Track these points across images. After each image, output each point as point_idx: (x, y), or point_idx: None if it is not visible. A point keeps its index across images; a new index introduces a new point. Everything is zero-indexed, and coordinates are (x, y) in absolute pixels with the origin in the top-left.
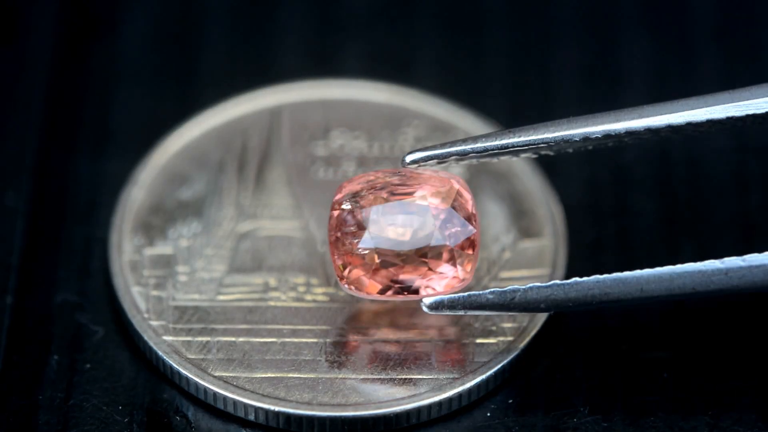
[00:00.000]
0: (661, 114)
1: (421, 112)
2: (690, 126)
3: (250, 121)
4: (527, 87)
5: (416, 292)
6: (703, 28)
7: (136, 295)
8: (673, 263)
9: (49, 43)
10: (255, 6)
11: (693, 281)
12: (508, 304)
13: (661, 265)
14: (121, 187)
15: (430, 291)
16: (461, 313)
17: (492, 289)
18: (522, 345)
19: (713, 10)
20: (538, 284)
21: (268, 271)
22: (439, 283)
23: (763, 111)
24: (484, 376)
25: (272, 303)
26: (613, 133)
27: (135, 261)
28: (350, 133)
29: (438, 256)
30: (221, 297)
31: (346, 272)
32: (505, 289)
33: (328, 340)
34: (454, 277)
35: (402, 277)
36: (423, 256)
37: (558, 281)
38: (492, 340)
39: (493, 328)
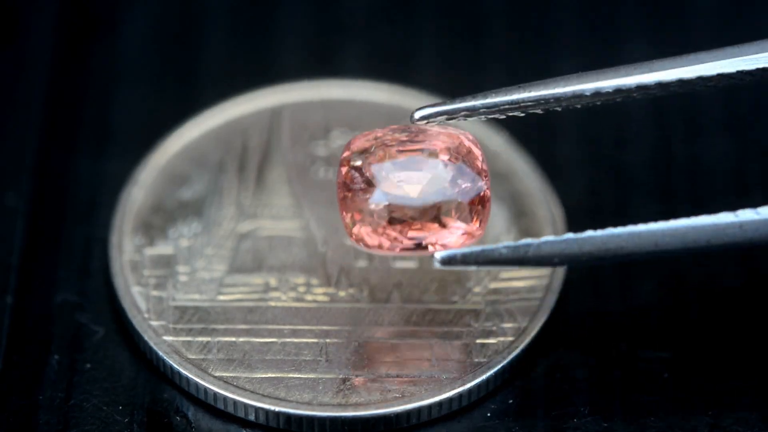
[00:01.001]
0: (672, 68)
1: None
2: (701, 80)
3: (251, 121)
4: None
5: (426, 248)
6: (703, 29)
7: (136, 295)
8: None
9: (49, 43)
10: (255, 6)
11: (707, 234)
12: (521, 258)
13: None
14: (121, 187)
15: (439, 248)
16: (473, 268)
17: (505, 243)
18: (522, 345)
19: (713, 11)
20: (552, 238)
21: (269, 271)
22: (450, 239)
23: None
24: (484, 377)
25: (272, 303)
26: (624, 88)
27: (135, 261)
28: (351, 133)
29: (449, 211)
30: (222, 297)
31: (355, 229)
32: (518, 243)
33: (328, 340)
34: (465, 233)
35: (412, 233)
36: (434, 211)
37: (572, 235)
38: (492, 340)
39: (493, 328)
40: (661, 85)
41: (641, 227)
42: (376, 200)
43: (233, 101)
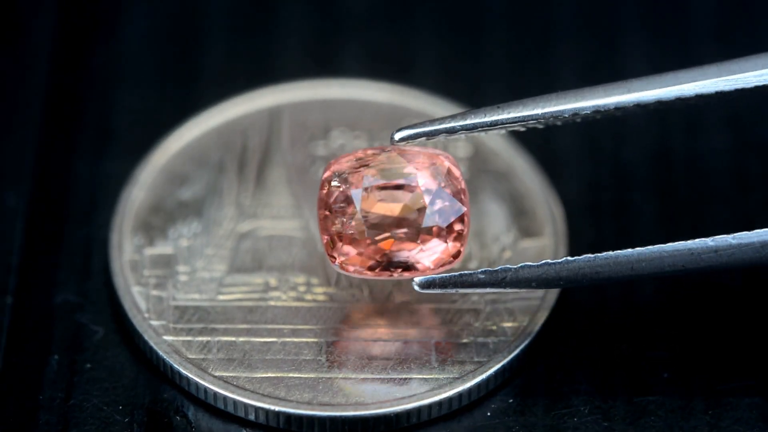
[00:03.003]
0: (651, 89)
1: (422, 112)
2: (679, 100)
3: (250, 121)
4: (527, 86)
5: (406, 268)
6: (703, 27)
7: (136, 295)
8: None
9: (49, 43)
10: (255, 6)
11: (683, 260)
12: (499, 282)
13: None
14: (121, 187)
15: (420, 266)
16: (452, 291)
17: (483, 269)
18: (522, 345)
19: (713, 10)
20: (530, 264)
21: (269, 271)
22: (430, 258)
23: (752, 85)
24: (484, 376)
25: (272, 303)
26: (602, 108)
27: (135, 261)
28: (350, 132)
29: (428, 231)
30: (221, 297)
31: (335, 250)
32: (496, 268)
33: (328, 339)
34: (445, 252)
35: (392, 253)
36: (413, 231)
37: (549, 261)
38: (492, 340)
39: (493, 327)
40: (640, 106)
41: (618, 253)
42: (355, 220)
43: (233, 101)
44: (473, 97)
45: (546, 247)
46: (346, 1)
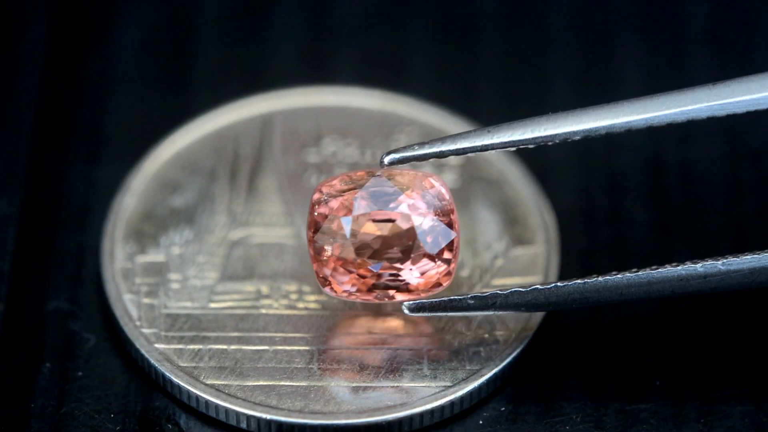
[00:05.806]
0: (642, 113)
1: (414, 119)
2: (670, 125)
3: (243, 128)
4: (521, 93)
5: (396, 290)
6: (696, 32)
7: (128, 303)
8: None
9: (41, 50)
10: (248, 13)
11: (672, 286)
12: (488, 307)
13: None
14: (113, 194)
15: (410, 288)
16: (442, 315)
17: (473, 294)
18: (514, 353)
19: (706, 15)
20: (519, 289)
21: (260, 279)
22: (420, 280)
23: (744, 110)
24: (476, 384)
25: (264, 310)
26: (593, 134)
27: (127, 268)
28: (342, 140)
29: (417, 254)
30: (213, 305)
31: (324, 272)
32: (485, 294)
33: (320, 347)
34: (435, 274)
35: (381, 275)
36: (402, 254)
37: (539, 286)
38: (484, 348)
39: (486, 336)
40: (631, 130)
41: (607, 279)
42: (344, 243)
43: (225, 108)
44: (466, 105)
45: (538, 255)
46: (338, 8)
